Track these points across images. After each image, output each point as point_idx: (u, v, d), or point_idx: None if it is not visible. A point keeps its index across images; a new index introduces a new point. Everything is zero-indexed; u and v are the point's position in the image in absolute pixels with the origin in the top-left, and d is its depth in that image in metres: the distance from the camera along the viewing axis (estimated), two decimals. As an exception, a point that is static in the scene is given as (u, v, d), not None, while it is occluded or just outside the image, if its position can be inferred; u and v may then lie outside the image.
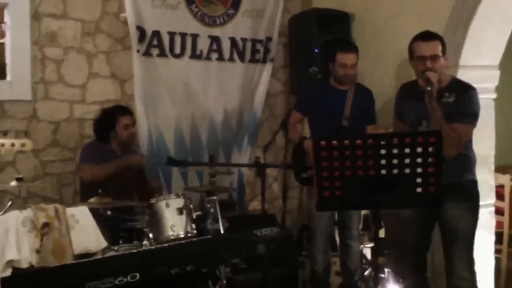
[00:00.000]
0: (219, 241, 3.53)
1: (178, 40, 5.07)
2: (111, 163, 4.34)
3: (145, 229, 3.64)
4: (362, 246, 4.66)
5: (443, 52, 3.49)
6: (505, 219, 4.91)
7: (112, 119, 4.46)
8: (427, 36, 3.52)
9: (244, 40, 5.36)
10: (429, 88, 3.30)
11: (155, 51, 4.98)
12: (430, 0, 4.41)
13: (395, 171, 2.69)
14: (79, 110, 4.95)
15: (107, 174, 4.25)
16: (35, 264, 3.25)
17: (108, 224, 3.79)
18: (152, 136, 5.02)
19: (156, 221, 3.64)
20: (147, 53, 4.94)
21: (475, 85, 3.57)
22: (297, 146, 4.45)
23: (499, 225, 4.68)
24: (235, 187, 5.36)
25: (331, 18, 5.20)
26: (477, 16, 4.07)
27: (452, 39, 4.11)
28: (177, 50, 5.08)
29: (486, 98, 4.04)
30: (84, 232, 3.53)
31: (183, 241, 3.52)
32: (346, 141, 2.70)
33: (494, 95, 4.25)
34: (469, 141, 3.54)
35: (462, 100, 3.43)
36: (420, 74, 3.45)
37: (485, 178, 4.12)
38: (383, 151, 2.66)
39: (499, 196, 4.74)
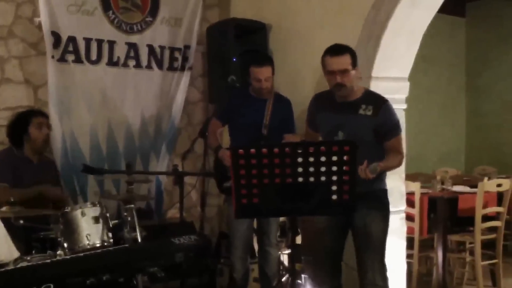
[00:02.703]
0: (136, 250, 3.51)
1: (94, 46, 4.97)
2: (28, 189, 4.15)
3: (60, 239, 3.53)
4: (279, 252, 4.74)
5: (354, 64, 3.55)
6: (416, 225, 5.12)
7: (25, 120, 4.35)
8: (335, 51, 3.54)
9: (162, 47, 5.32)
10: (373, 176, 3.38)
11: (70, 57, 4.86)
12: (343, 14, 4.53)
13: (312, 179, 2.76)
14: (-11, 116, 4.78)
15: (21, 197, 3.95)
16: None
17: (21, 234, 3.65)
18: (66, 143, 4.88)
19: (71, 230, 3.55)
20: (62, 59, 4.81)
21: (387, 96, 3.73)
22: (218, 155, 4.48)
23: (410, 231, 4.87)
24: (153, 195, 5.31)
25: (248, 28, 5.26)
26: (387, 31, 4.24)
27: (365, 52, 4.26)
28: (94, 56, 4.97)
29: (397, 109, 4.14)
30: (-5, 242, 3.40)
31: (99, 250, 3.45)
32: (264, 149, 2.75)
33: (404, 106, 4.42)
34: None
35: (383, 115, 3.56)
36: (334, 87, 3.56)
37: (396, 185, 4.27)
38: (300, 159, 2.72)
39: (410, 203, 4.93)
